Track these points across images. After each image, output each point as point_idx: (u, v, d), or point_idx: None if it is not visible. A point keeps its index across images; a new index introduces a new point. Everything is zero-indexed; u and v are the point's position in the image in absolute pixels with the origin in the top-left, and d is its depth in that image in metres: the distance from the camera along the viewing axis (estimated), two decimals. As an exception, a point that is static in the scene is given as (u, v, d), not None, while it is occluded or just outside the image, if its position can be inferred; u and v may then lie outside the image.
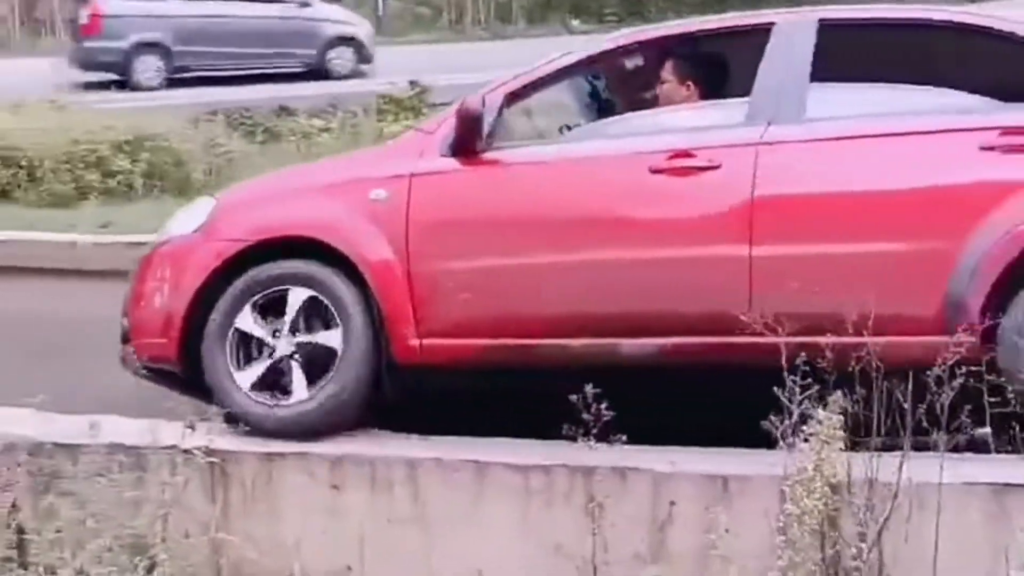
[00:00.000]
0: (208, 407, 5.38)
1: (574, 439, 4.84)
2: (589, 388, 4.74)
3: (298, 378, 5.40)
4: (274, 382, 5.45)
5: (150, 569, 5.05)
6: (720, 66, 5.78)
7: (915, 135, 5.22)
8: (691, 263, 5.20)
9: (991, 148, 5.06)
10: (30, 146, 12.06)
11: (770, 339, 4.75)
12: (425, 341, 5.38)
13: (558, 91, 6.06)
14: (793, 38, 5.42)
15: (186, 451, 5.21)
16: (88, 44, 21.06)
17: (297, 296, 5.42)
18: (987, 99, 5.24)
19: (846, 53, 5.37)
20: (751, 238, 5.11)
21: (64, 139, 12.28)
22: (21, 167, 11.98)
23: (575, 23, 26.17)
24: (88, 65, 20.99)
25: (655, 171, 5.28)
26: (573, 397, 4.71)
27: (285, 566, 5.16)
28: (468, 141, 5.45)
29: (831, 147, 5.26)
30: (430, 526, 5.17)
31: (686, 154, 5.28)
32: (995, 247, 4.93)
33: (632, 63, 6.10)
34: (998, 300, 4.91)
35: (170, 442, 5.25)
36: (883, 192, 5.16)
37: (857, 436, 4.64)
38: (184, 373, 5.63)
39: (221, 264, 5.55)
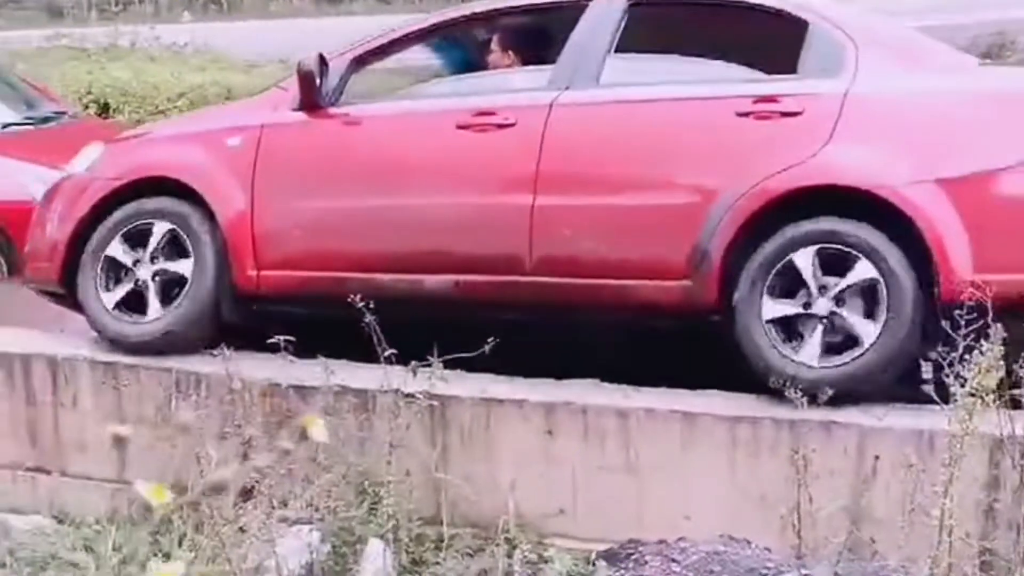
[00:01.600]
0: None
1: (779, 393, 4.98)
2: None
3: (153, 300, 6.02)
4: (136, 304, 6.05)
5: (374, 505, 5.37)
6: (541, 38, 6.28)
7: (683, 101, 5.72)
8: (482, 209, 5.74)
9: (745, 114, 5.49)
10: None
11: (543, 280, 5.52)
12: (261, 272, 5.99)
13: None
14: (603, 13, 5.90)
15: (409, 395, 5.46)
16: None
17: (159, 229, 6.05)
18: (754, 71, 5.71)
19: (650, 28, 5.90)
20: (535, 189, 5.62)
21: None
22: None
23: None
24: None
25: (460, 127, 5.83)
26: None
27: (500, 506, 5.37)
28: (309, 97, 6.04)
29: (611, 110, 5.79)
30: (640, 473, 5.34)
31: (488, 112, 5.82)
32: (734, 206, 5.34)
33: (471, 33, 6.72)
34: (738, 254, 5.33)
35: (395, 386, 5.51)
36: (649, 151, 5.65)
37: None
38: (66, 294, 6.31)
39: (99, 200, 6.22)
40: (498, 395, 5.56)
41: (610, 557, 5.15)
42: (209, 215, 6.03)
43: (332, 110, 6.09)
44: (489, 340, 5.24)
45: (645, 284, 5.46)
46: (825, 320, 5.20)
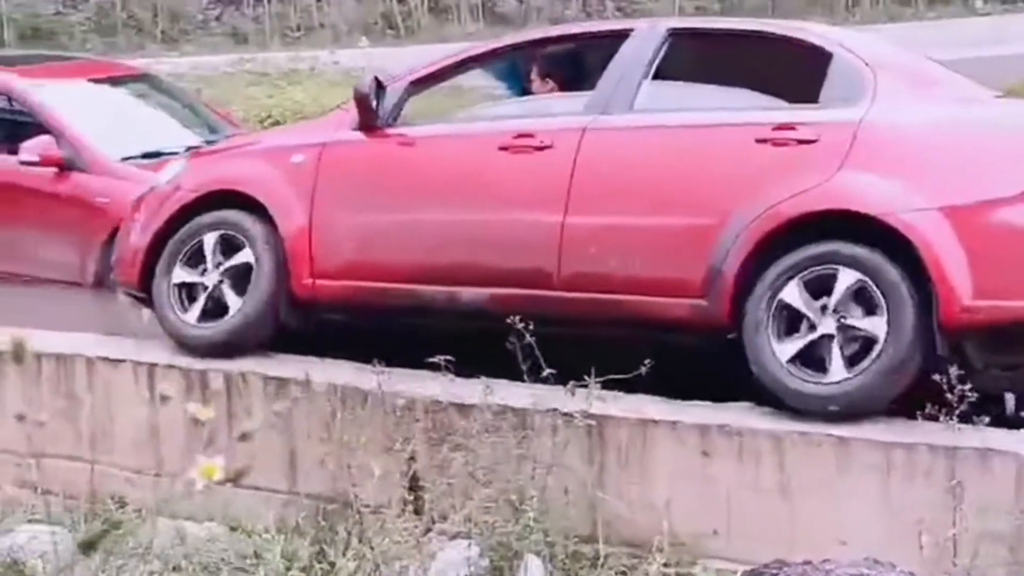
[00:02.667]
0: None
1: (935, 419, 4.98)
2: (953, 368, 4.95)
3: (232, 298, 6.40)
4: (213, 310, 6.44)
5: (531, 521, 5.48)
6: (581, 65, 6.61)
7: (706, 127, 5.97)
8: (517, 226, 6.02)
9: (764, 141, 5.71)
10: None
11: (569, 295, 5.82)
12: (316, 281, 6.32)
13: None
14: (643, 42, 6.21)
15: (567, 414, 5.58)
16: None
17: (225, 240, 6.45)
18: (779, 99, 5.97)
19: (687, 57, 6.21)
20: (566, 208, 5.90)
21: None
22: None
23: (979, 3, 25.31)
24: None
25: (502, 148, 6.12)
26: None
27: (655, 525, 5.42)
28: (365, 118, 6.39)
29: (639, 135, 6.06)
30: (793, 496, 5.38)
31: (527, 135, 6.11)
32: (747, 228, 5.58)
33: (518, 60, 7.13)
34: (749, 275, 5.56)
35: (553, 405, 5.64)
36: (671, 174, 5.90)
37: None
38: (147, 298, 6.69)
39: (176, 211, 6.64)
40: (654, 416, 5.64)
41: (754, 576, 5.19)
42: (272, 226, 6.40)
43: (388, 130, 6.45)
44: (646, 362, 5.35)
45: (663, 301, 5.72)
46: (831, 338, 5.39)
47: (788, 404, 5.45)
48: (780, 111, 5.89)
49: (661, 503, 5.51)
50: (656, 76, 6.15)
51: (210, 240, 6.48)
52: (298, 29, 20.99)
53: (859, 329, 5.37)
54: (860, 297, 5.39)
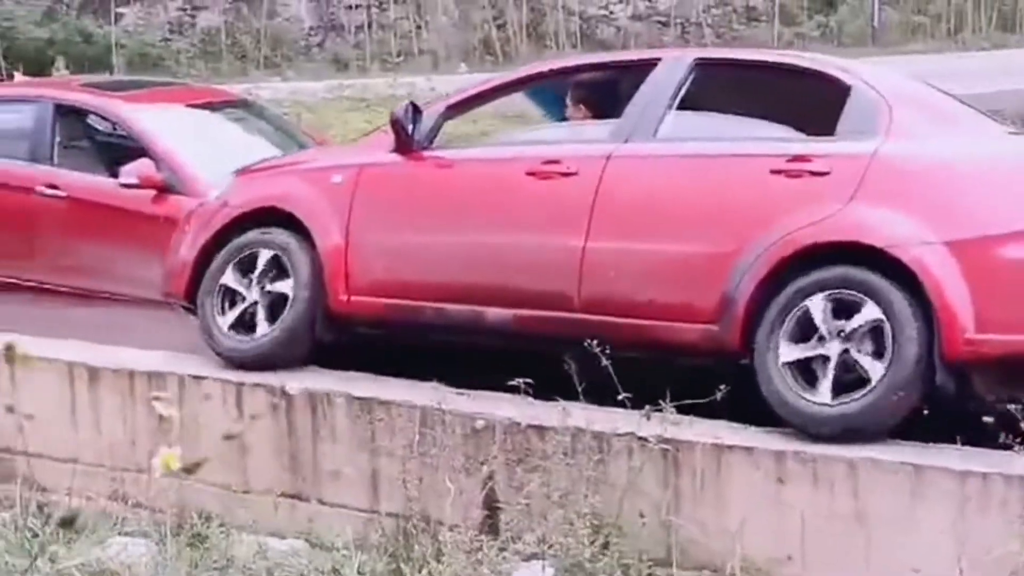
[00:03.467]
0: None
1: (1009, 447, 4.97)
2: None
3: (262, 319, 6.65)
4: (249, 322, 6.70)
5: (605, 544, 5.55)
6: (612, 92, 6.66)
7: (724, 157, 6.11)
8: (541, 249, 6.19)
9: (779, 172, 5.84)
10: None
11: (589, 317, 5.96)
12: (352, 297, 6.52)
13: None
14: (670, 71, 6.37)
15: (642, 438, 5.64)
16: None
17: (264, 256, 6.68)
18: (797, 131, 6.13)
19: (712, 87, 6.35)
20: (587, 233, 6.06)
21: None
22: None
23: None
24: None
25: (529, 173, 6.29)
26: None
27: (729, 550, 5.46)
28: (401, 142, 6.61)
29: (660, 163, 6.20)
30: (868, 523, 5.37)
31: (554, 161, 6.28)
32: (759, 256, 5.71)
33: (554, 86, 7.20)
34: (763, 300, 5.68)
35: (628, 429, 5.71)
36: (689, 202, 6.04)
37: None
38: (194, 309, 6.91)
39: (222, 226, 6.90)
40: (730, 441, 5.67)
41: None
42: (311, 243, 6.62)
43: (424, 153, 6.65)
44: (721, 387, 5.40)
45: (678, 326, 5.87)
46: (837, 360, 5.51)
47: (789, 422, 5.61)
48: (796, 143, 6.04)
49: (735, 528, 5.52)
50: (682, 105, 6.30)
51: (263, 257, 6.69)
52: (398, 55, 21.25)
53: (860, 357, 5.49)
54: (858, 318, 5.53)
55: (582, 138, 6.62)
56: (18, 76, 19.03)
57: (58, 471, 6.79)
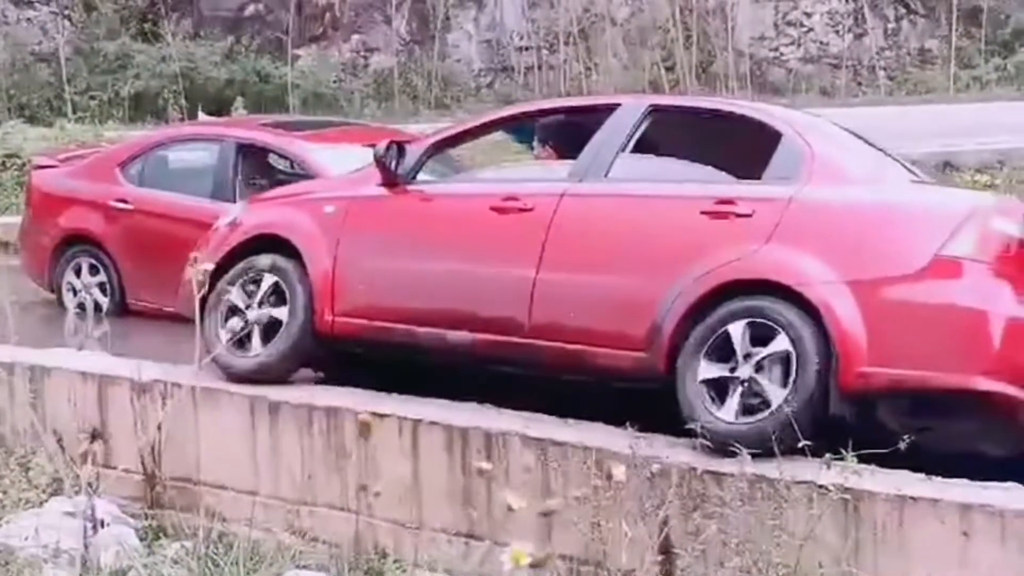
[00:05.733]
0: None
1: None
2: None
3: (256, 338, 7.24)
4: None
5: (785, 593, 5.47)
6: (575, 133, 7.10)
7: (660, 198, 6.66)
8: (497, 279, 6.76)
9: (707, 213, 6.36)
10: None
11: (536, 342, 6.52)
12: (336, 318, 7.11)
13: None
14: (626, 116, 6.89)
15: (822, 487, 5.55)
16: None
17: (268, 280, 7.27)
18: (730, 174, 6.60)
19: (663, 131, 6.89)
20: (539, 265, 6.61)
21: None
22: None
23: None
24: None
25: (492, 208, 6.86)
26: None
27: (911, 605, 5.36)
28: (385, 176, 7.26)
29: (605, 202, 6.75)
30: None
31: (514, 198, 6.82)
32: (685, 290, 6.19)
33: (528, 126, 8.21)
34: (687, 330, 6.14)
35: (808, 477, 5.61)
36: (626, 238, 6.55)
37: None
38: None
39: (231, 249, 7.51)
40: (912, 493, 5.54)
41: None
42: (305, 267, 7.21)
43: (407, 187, 7.28)
44: (905, 438, 5.30)
45: (614, 353, 6.36)
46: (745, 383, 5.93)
47: (696, 434, 5.91)
48: (725, 185, 6.54)
49: (918, 581, 5.41)
50: (635, 148, 6.82)
51: (266, 282, 7.27)
52: (567, 95, 21.37)
53: (765, 383, 5.90)
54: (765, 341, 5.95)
55: (543, 177, 7.16)
56: (201, 115, 19.61)
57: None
